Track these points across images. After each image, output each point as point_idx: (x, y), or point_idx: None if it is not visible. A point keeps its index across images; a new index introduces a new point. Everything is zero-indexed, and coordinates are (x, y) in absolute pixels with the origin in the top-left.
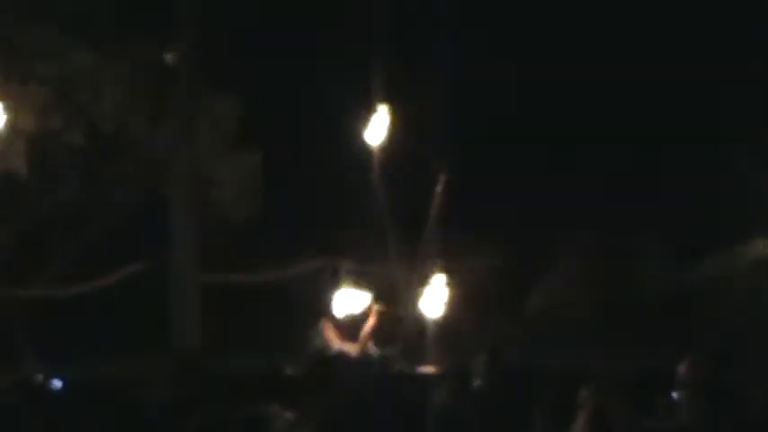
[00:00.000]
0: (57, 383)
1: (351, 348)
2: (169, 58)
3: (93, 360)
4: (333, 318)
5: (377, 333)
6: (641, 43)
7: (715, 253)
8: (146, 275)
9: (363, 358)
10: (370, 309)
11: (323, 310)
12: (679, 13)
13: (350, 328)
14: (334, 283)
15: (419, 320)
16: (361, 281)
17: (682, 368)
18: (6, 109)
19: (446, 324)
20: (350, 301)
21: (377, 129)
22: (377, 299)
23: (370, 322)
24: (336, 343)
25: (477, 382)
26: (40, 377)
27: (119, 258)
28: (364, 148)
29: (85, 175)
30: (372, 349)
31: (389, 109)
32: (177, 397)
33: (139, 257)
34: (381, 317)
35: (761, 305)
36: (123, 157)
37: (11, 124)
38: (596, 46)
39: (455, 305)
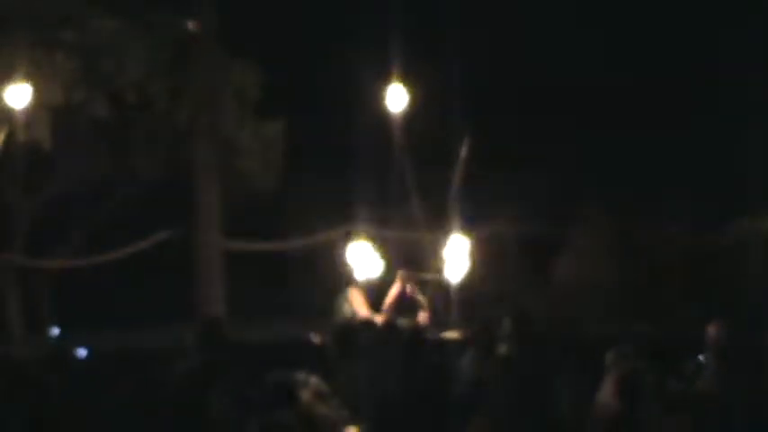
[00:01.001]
0: (82, 352)
1: (378, 316)
2: (191, 26)
3: (119, 329)
4: (360, 286)
5: (402, 299)
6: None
7: (743, 216)
8: (171, 244)
9: (390, 325)
10: (397, 275)
11: (349, 277)
12: None
13: (377, 295)
14: (356, 249)
15: (444, 285)
16: (382, 246)
17: (709, 332)
18: (31, 80)
19: (471, 290)
20: (370, 265)
21: (398, 96)
22: (402, 265)
23: (395, 288)
24: (363, 310)
25: (502, 348)
26: (66, 346)
27: (144, 228)
28: (386, 115)
29: (110, 146)
30: (395, 316)
31: (410, 77)
32: (203, 364)
33: (165, 227)
34: (406, 282)
35: None
36: (147, 127)
37: (36, 96)
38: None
39: (479, 271)
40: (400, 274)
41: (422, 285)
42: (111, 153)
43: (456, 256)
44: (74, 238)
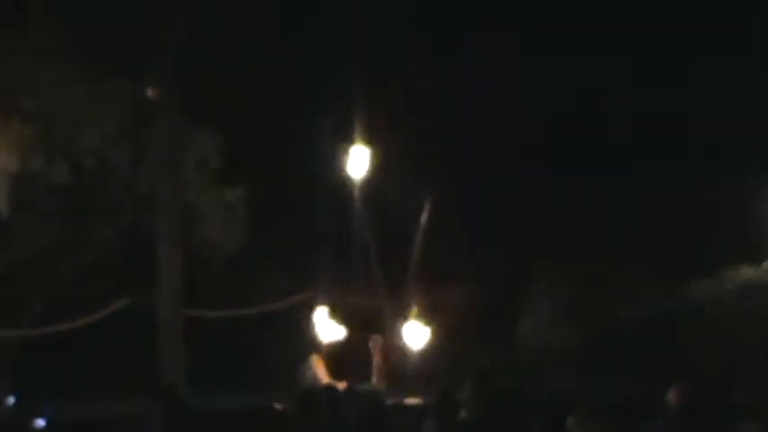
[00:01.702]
0: (40, 423)
1: (339, 383)
2: (151, 93)
3: (78, 398)
4: (321, 352)
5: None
6: (613, 71)
7: (702, 278)
8: (132, 311)
9: (352, 392)
10: (373, 345)
11: (311, 343)
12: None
13: (338, 361)
14: (317, 316)
15: (404, 351)
16: (343, 312)
17: (669, 395)
18: None
19: (431, 354)
20: (332, 332)
21: (359, 162)
22: (374, 333)
23: (377, 358)
24: (325, 376)
25: (463, 413)
26: (24, 415)
27: (104, 295)
28: (347, 181)
29: (70, 212)
30: (381, 384)
31: (372, 143)
32: None
33: (125, 294)
34: (379, 348)
35: (748, 331)
36: (107, 194)
37: None
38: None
39: (439, 336)
40: (374, 340)
41: (385, 351)
42: (71, 220)
43: (416, 321)
44: (32, 307)
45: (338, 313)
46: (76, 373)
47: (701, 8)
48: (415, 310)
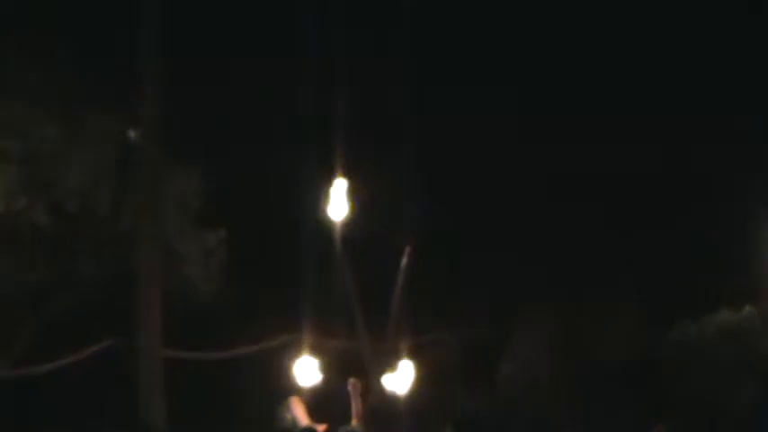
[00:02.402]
0: None
1: (319, 426)
2: (132, 135)
3: None
4: (301, 394)
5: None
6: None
7: (685, 320)
8: (113, 352)
9: None
10: (352, 387)
11: (290, 386)
12: None
13: (318, 405)
14: (297, 358)
15: (385, 394)
16: (324, 355)
17: None
18: None
19: (413, 398)
20: (312, 374)
21: (339, 204)
22: (352, 375)
23: (356, 400)
24: (304, 419)
25: None
26: None
27: (85, 336)
28: (328, 223)
29: (51, 252)
30: (361, 427)
31: (352, 185)
32: None
33: (106, 334)
34: (356, 391)
35: (727, 375)
36: (88, 234)
37: None
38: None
39: (422, 379)
40: (352, 382)
41: (365, 393)
42: (53, 260)
43: (400, 367)
44: (13, 348)
45: (318, 356)
46: (59, 413)
47: None
48: (399, 353)
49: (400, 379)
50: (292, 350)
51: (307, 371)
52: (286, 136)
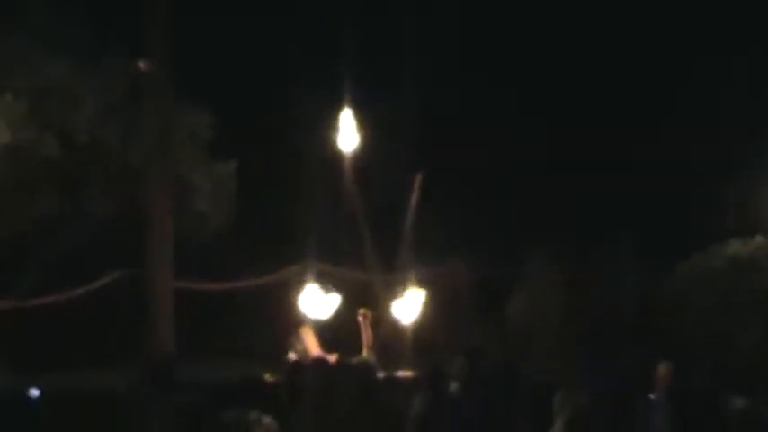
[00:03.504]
0: (35, 393)
1: (330, 356)
2: (142, 66)
3: (71, 369)
4: (311, 324)
5: (369, 339)
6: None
7: (689, 255)
8: (122, 285)
9: (341, 364)
10: (362, 318)
11: (301, 316)
12: None
13: (328, 334)
14: (307, 289)
15: (396, 325)
16: (334, 285)
17: (658, 373)
18: None
19: (423, 329)
20: (322, 305)
21: (349, 134)
22: (362, 305)
23: (367, 330)
24: (315, 349)
25: (454, 387)
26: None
27: (95, 269)
28: (338, 153)
29: (61, 187)
30: (372, 357)
31: (362, 114)
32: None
33: (116, 267)
34: (366, 320)
35: (736, 306)
36: (99, 167)
37: None
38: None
39: (431, 310)
40: (362, 312)
41: (376, 324)
42: (63, 193)
43: (408, 296)
44: (24, 280)
45: (329, 286)
46: (70, 344)
47: None
48: (408, 283)
49: (408, 307)
50: (302, 280)
51: (317, 301)
52: (296, 68)
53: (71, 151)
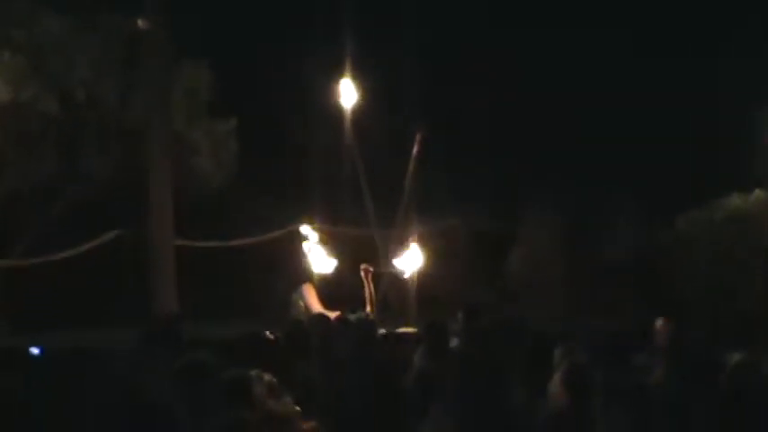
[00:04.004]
0: (35, 351)
1: (331, 312)
2: (141, 24)
3: (72, 327)
4: (313, 281)
5: (371, 295)
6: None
7: (689, 209)
8: (124, 243)
9: (343, 320)
10: (364, 273)
11: (303, 273)
12: None
13: (330, 291)
14: (309, 246)
15: (397, 279)
16: (335, 242)
17: (656, 325)
18: None
19: (423, 284)
20: (324, 262)
21: (349, 92)
22: (356, 260)
23: (368, 286)
24: (317, 306)
25: (454, 342)
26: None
27: (96, 227)
28: (338, 112)
29: (60, 144)
30: (374, 313)
31: (363, 72)
32: (157, 363)
33: (119, 225)
34: (368, 276)
35: (735, 260)
36: (98, 125)
37: None
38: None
39: (431, 265)
40: (363, 268)
41: (377, 280)
42: (62, 151)
43: (409, 252)
44: (26, 237)
45: (330, 243)
46: (70, 302)
47: None
48: (408, 238)
49: (408, 261)
50: (303, 237)
51: (318, 257)
52: (296, 25)
53: (69, 109)
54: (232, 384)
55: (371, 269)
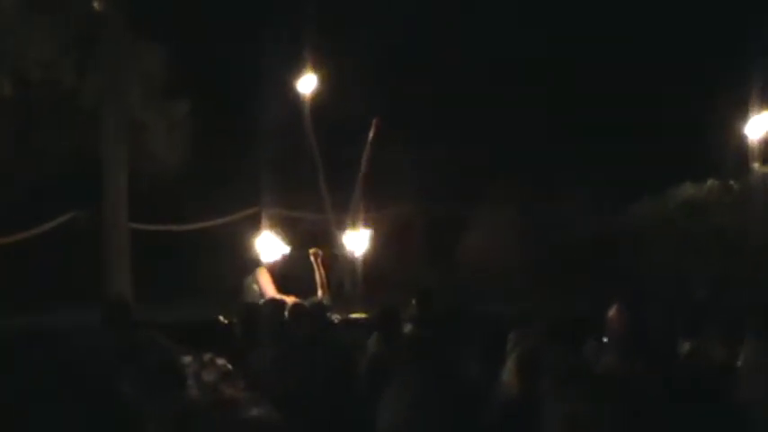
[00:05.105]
0: None
1: (285, 296)
2: (97, 5)
3: (26, 310)
4: (267, 266)
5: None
6: None
7: (644, 197)
8: (79, 225)
9: (297, 305)
10: (314, 258)
11: (257, 258)
12: None
13: (284, 276)
14: (263, 230)
15: (349, 266)
16: (289, 226)
17: (609, 313)
18: None
19: (376, 269)
20: (278, 246)
21: (308, 78)
22: (314, 245)
23: (320, 271)
24: (271, 290)
25: (407, 328)
26: None
27: (51, 209)
28: (296, 96)
29: (15, 126)
30: (327, 299)
31: (320, 58)
32: (109, 345)
33: (72, 208)
34: (317, 260)
35: (689, 248)
36: (53, 107)
37: None
38: None
39: (384, 251)
40: (313, 252)
41: (331, 264)
42: (17, 133)
43: (362, 236)
44: None
45: (283, 228)
46: (25, 285)
47: None
48: (360, 222)
49: (359, 240)
50: (257, 222)
51: (272, 242)
52: (257, 11)
53: (25, 90)
54: (183, 367)
55: (321, 253)
